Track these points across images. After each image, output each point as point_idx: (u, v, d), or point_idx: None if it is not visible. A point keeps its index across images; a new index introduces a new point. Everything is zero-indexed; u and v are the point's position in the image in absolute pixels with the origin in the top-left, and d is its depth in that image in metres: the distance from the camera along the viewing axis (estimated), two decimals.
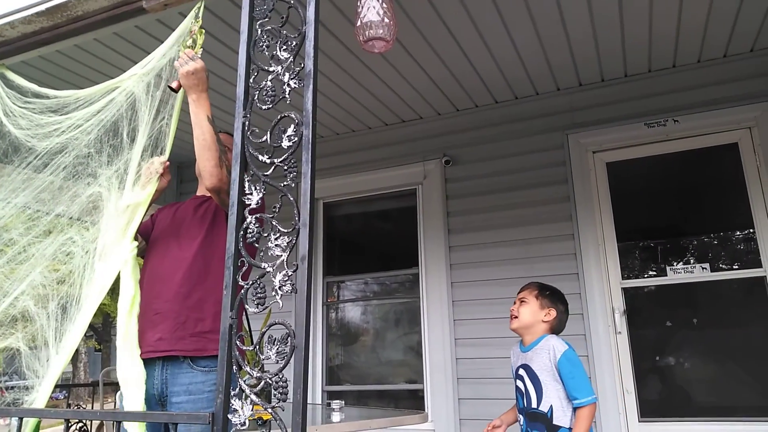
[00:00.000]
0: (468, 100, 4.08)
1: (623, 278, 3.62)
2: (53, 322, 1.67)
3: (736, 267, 3.50)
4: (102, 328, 20.72)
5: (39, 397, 1.57)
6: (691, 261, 3.58)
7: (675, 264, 3.60)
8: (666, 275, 3.58)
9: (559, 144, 3.89)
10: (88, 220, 1.85)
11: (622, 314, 3.53)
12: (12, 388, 1.89)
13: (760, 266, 3.35)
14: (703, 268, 3.48)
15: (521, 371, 2.37)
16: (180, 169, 5.07)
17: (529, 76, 3.74)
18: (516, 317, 2.42)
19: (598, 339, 3.50)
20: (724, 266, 3.53)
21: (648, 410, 3.41)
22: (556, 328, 2.41)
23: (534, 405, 2.27)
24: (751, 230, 3.43)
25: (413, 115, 4.31)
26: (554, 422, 2.20)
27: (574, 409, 2.20)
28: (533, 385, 2.29)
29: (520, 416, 2.36)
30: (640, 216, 3.87)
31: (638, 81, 3.77)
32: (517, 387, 2.40)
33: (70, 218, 1.93)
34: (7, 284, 1.82)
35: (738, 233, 3.61)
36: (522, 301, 2.43)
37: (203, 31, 1.82)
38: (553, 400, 2.22)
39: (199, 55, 1.82)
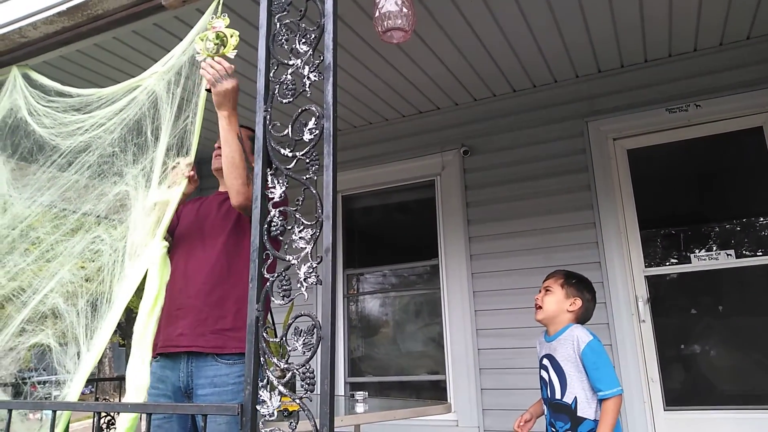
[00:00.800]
0: (485, 90, 4.05)
1: (646, 266, 3.58)
2: (83, 319, 1.69)
3: (761, 253, 3.44)
4: (126, 324, 21.05)
5: (71, 392, 1.60)
6: (715, 248, 3.53)
7: (698, 251, 3.55)
8: (690, 262, 3.53)
9: (578, 132, 3.85)
10: (116, 218, 1.87)
11: (645, 302, 3.50)
12: (44, 383, 1.93)
13: None
14: (728, 255, 3.43)
15: (545, 361, 2.33)
16: (199, 165, 5.11)
17: (547, 64, 3.70)
18: (540, 307, 2.36)
19: (621, 328, 3.47)
20: (748, 252, 3.48)
21: (673, 399, 3.38)
22: (582, 318, 2.35)
23: (558, 396, 2.23)
24: None
25: (430, 106, 4.29)
26: (578, 414, 2.16)
27: (599, 401, 2.15)
28: (557, 375, 2.25)
29: (545, 407, 2.34)
30: (662, 203, 3.82)
31: (659, 66, 3.70)
32: (541, 377, 2.36)
33: (98, 217, 1.96)
34: (36, 282, 1.85)
35: (762, 219, 3.55)
36: (547, 290, 2.37)
37: (236, 32, 1.77)
38: (578, 391, 2.18)
39: (233, 56, 1.78)
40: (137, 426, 1.55)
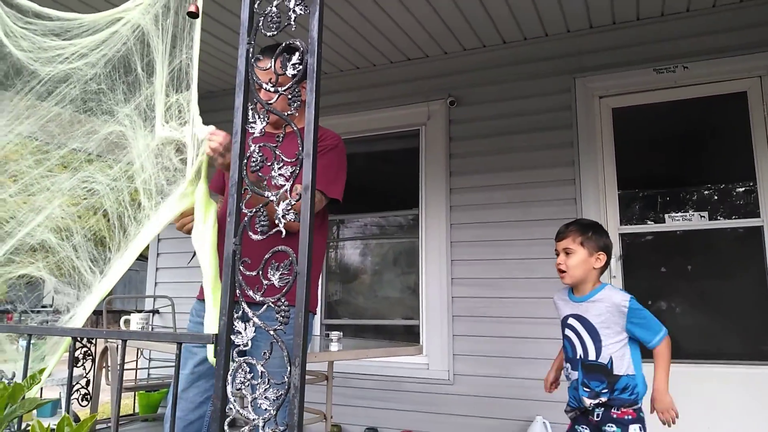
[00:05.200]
0: (476, 39, 3.99)
1: (621, 224, 3.65)
2: (83, 252, 1.68)
3: (735, 217, 3.52)
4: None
5: (76, 321, 1.61)
6: (690, 210, 3.60)
7: (673, 212, 3.62)
8: (664, 222, 3.61)
9: (566, 88, 3.83)
10: (111, 158, 1.82)
11: (618, 259, 3.58)
12: (39, 312, 1.93)
13: (758, 216, 3.37)
14: (701, 217, 3.51)
15: (572, 321, 2.25)
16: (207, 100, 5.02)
17: (539, 14, 3.64)
18: (565, 272, 2.23)
19: None
20: (721, 217, 3.56)
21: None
22: (607, 265, 2.28)
23: (592, 357, 2.18)
24: (752, 183, 3.43)
25: (419, 53, 4.22)
26: (615, 372, 2.15)
27: (631, 356, 2.16)
28: (591, 336, 2.18)
29: (568, 365, 2.27)
30: (642, 164, 3.87)
31: (650, 25, 3.68)
32: (567, 337, 2.27)
33: (89, 155, 1.91)
34: (21, 214, 1.83)
35: (739, 184, 3.61)
36: (567, 252, 2.23)
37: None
38: (613, 351, 2.15)
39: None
40: None
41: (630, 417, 2.14)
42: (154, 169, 1.68)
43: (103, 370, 4.28)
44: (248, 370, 1.22)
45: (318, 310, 4.46)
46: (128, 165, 1.76)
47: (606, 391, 2.16)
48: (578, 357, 2.22)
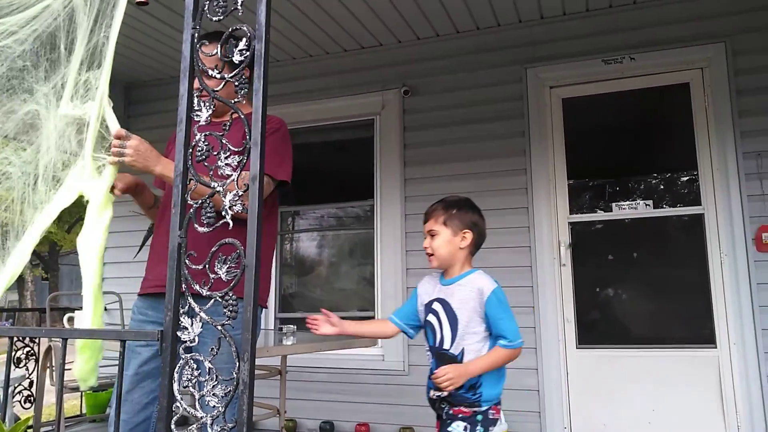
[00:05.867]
0: (429, 28, 3.98)
1: (571, 213, 3.73)
2: None
3: (679, 206, 3.65)
4: (49, 257, 20.22)
5: None
6: (637, 199, 3.71)
7: (621, 201, 3.72)
8: (612, 211, 3.71)
9: (517, 78, 3.88)
10: (25, 139, 1.74)
11: (567, 248, 3.66)
12: None
13: (700, 204, 3.50)
14: (646, 205, 3.62)
15: (436, 305, 2.08)
16: (128, 90, 4.84)
17: (491, 4, 3.66)
18: (432, 255, 2.08)
19: (543, 271, 3.64)
20: (666, 205, 3.68)
21: (586, 338, 3.61)
22: (479, 243, 2.11)
23: (446, 346, 2.01)
24: (695, 172, 3.56)
25: (373, 42, 4.19)
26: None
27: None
28: (449, 323, 2.03)
29: (429, 354, 2.11)
30: (591, 154, 3.95)
31: (599, 16, 3.75)
32: (429, 322, 2.09)
33: (5, 137, 1.82)
34: None
35: (683, 173, 3.74)
36: (432, 234, 2.08)
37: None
38: (468, 344, 1.98)
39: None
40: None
41: (462, 415, 1.97)
42: (57, 153, 1.62)
43: (47, 369, 4.11)
44: (195, 366, 1.18)
45: (271, 303, 4.40)
46: (38, 147, 1.69)
47: None
48: (436, 344, 2.05)
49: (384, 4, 3.63)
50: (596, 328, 3.70)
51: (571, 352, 3.58)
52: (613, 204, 3.72)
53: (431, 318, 2.08)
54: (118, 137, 1.68)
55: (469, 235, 2.07)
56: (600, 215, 3.77)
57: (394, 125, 4.16)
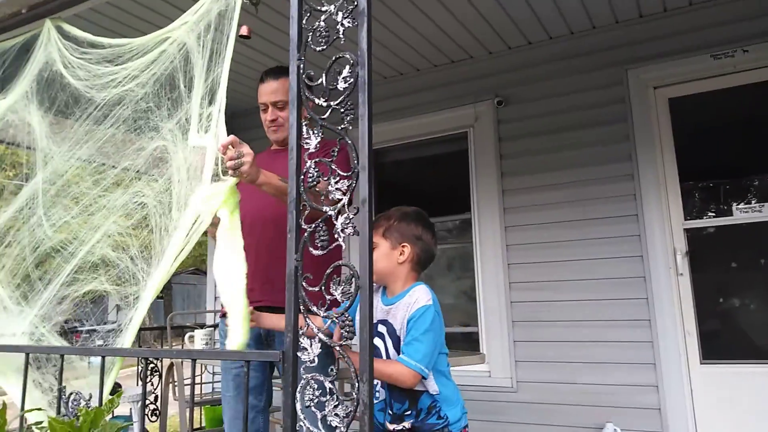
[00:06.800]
0: (520, 37, 3.91)
1: (686, 219, 3.50)
2: (139, 262, 1.75)
3: None
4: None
5: (125, 339, 1.66)
6: (755, 201, 3.41)
7: (740, 204, 3.44)
8: (731, 215, 3.43)
9: (618, 80, 3.71)
10: (155, 173, 1.89)
11: (684, 256, 3.43)
12: (93, 331, 2.01)
13: None
14: None
15: (381, 328, 1.90)
16: (233, 118, 5.13)
17: (585, 8, 3.54)
18: None
19: (658, 281, 3.42)
20: None
21: (710, 353, 3.35)
22: (423, 259, 1.94)
23: None
24: None
25: (463, 55, 4.18)
26: (417, 388, 1.82)
27: (438, 371, 1.84)
28: (394, 346, 1.84)
29: (377, 383, 1.89)
30: (704, 154, 3.69)
31: (703, 10, 3.52)
32: (377, 347, 1.90)
33: (137, 172, 1.99)
34: (82, 234, 1.91)
35: None
36: (375, 248, 1.90)
37: None
38: None
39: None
40: None
41: None
42: (188, 182, 1.73)
43: (170, 385, 4.39)
44: (316, 386, 1.21)
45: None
46: (169, 178, 1.82)
47: (410, 413, 1.82)
48: None
49: (474, 17, 3.62)
50: (722, 341, 3.42)
51: (695, 368, 3.33)
52: (734, 207, 3.44)
53: (378, 342, 1.89)
54: (232, 144, 1.67)
55: (407, 250, 1.91)
56: (720, 220, 3.49)
57: (489, 136, 4.10)
